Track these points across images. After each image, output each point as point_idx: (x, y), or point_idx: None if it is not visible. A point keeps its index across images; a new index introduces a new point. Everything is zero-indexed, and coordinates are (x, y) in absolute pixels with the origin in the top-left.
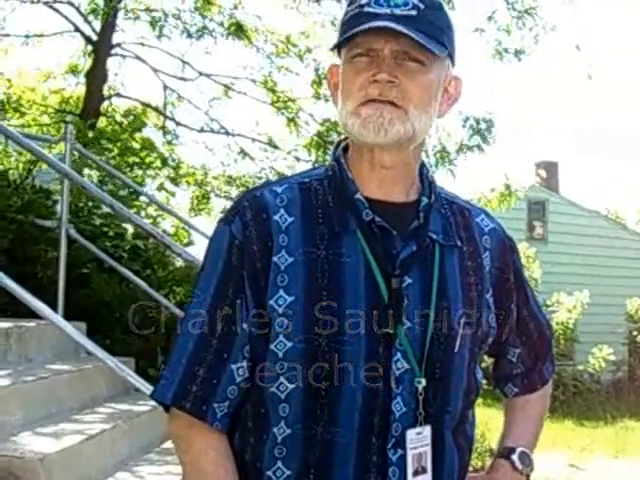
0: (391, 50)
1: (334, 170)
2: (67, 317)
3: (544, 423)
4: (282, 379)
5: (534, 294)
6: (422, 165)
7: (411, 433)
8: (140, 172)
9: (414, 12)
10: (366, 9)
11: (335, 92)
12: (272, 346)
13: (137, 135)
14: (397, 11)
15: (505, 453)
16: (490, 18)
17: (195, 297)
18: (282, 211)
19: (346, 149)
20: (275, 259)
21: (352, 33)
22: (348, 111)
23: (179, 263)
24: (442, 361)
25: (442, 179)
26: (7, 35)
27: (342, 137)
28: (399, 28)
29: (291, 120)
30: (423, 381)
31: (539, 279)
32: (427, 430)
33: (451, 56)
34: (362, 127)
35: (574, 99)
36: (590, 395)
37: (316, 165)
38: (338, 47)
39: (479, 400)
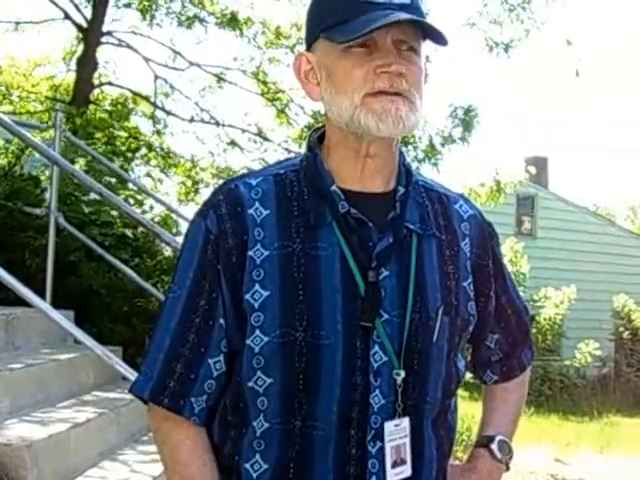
0: (392, 39)
1: (309, 161)
2: (55, 305)
3: (532, 416)
4: (260, 373)
5: (513, 280)
6: (400, 153)
7: (389, 425)
8: (127, 161)
9: (408, 0)
10: None
11: (306, 81)
12: (249, 341)
13: (125, 124)
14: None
15: (484, 442)
16: (480, 14)
17: (171, 292)
18: (257, 204)
19: (321, 138)
20: (251, 253)
21: (373, 27)
22: (355, 104)
23: (168, 252)
24: (420, 352)
25: (429, 174)
26: None
27: (317, 125)
28: (422, 19)
29: (281, 111)
30: (402, 373)
31: (527, 274)
32: (405, 422)
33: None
34: (380, 121)
35: (565, 95)
36: (576, 390)
37: (292, 155)
38: (316, 36)
39: (465, 394)
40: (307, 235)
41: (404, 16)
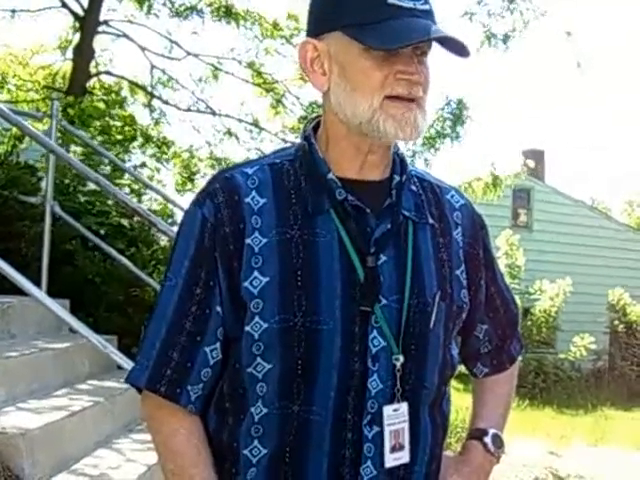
0: (413, 47)
1: (304, 150)
2: (51, 294)
3: (526, 409)
4: (259, 359)
5: (502, 272)
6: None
7: (388, 409)
8: (124, 150)
9: (428, 6)
10: (390, 0)
11: (311, 69)
12: (248, 327)
13: (120, 112)
14: (418, 5)
15: (478, 435)
16: (479, 2)
17: (167, 280)
18: (254, 193)
19: (316, 128)
20: (248, 241)
21: (414, 42)
22: (374, 107)
23: (163, 242)
24: (418, 337)
25: (424, 168)
26: None
27: (313, 115)
28: (451, 36)
29: (277, 101)
30: (401, 358)
31: (522, 266)
32: (404, 407)
33: None
34: (399, 129)
35: (563, 89)
36: (570, 383)
37: (287, 145)
38: (333, 28)
39: (460, 386)
40: (305, 222)
41: (442, 33)
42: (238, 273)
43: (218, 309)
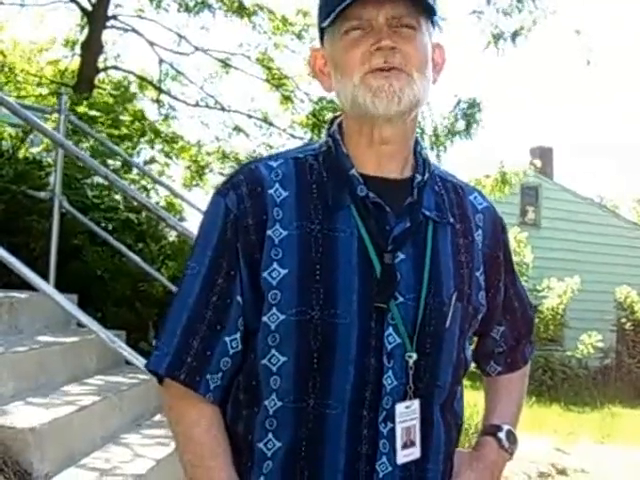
0: (385, 17)
1: (329, 146)
2: (59, 289)
3: (533, 406)
4: (274, 351)
5: (518, 275)
6: (416, 142)
7: (400, 407)
8: (132, 145)
9: None
10: None
11: (321, 76)
12: (265, 318)
13: (129, 107)
14: None
15: (492, 431)
16: (489, 1)
17: (189, 269)
18: (277, 185)
19: (340, 125)
20: (269, 233)
21: (346, 4)
22: (355, 84)
23: (172, 237)
24: (433, 336)
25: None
26: (1, 3)
27: (337, 113)
28: None
29: (287, 98)
30: (414, 355)
31: (530, 264)
32: (416, 404)
33: (435, 22)
34: (375, 97)
35: (573, 87)
36: (577, 381)
37: (312, 141)
38: (322, 26)
39: (468, 383)
40: (326, 217)
41: None
42: (259, 264)
43: (239, 299)
